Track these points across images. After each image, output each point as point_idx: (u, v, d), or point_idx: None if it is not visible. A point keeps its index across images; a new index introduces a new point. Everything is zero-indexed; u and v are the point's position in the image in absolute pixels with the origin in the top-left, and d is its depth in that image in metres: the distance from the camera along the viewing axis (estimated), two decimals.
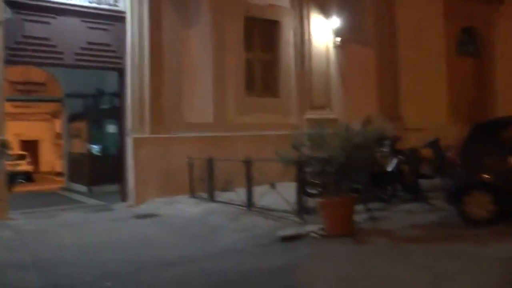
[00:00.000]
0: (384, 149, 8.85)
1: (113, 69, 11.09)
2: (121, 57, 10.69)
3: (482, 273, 4.71)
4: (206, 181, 9.94)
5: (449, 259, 5.20)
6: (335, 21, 13.33)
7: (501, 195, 6.68)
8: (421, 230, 6.78)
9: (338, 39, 13.39)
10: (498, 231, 6.30)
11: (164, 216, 9.01)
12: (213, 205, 9.36)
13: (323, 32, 13.28)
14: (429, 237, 6.40)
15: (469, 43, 18.43)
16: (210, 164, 9.91)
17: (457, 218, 7.05)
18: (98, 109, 15.03)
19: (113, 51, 10.67)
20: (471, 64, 18.42)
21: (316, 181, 7.62)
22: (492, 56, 18.53)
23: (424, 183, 9.36)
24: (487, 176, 6.88)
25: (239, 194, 8.77)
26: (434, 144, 9.88)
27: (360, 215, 7.44)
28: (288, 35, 12.88)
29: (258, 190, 8.39)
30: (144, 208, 9.78)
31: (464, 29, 17.93)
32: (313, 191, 7.96)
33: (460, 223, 6.91)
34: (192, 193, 10.30)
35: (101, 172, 13.72)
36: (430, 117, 14.70)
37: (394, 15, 14.81)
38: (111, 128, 14.54)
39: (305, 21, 13.03)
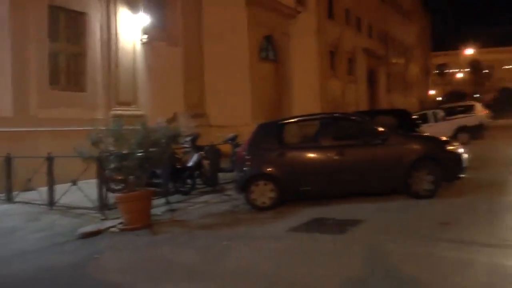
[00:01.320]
0: (186, 145, 9.51)
1: None
2: None
3: (251, 248, 5.60)
4: (3, 181, 9.35)
5: (229, 240, 5.99)
6: (143, 18, 13.62)
7: (280, 184, 7.86)
8: (214, 218, 7.53)
9: (146, 36, 13.70)
10: (276, 214, 7.41)
11: None
12: (11, 206, 8.91)
13: (131, 28, 13.45)
14: (219, 223, 7.17)
15: (270, 50, 20.64)
16: (8, 162, 9.35)
17: (246, 205, 8.03)
18: None
19: None
20: (272, 69, 20.65)
21: (119, 177, 7.88)
22: (288, 62, 21.00)
23: (223, 176, 10.33)
24: (269, 168, 7.99)
25: (41, 193, 8.50)
26: (232, 141, 10.93)
27: (160, 208, 7.94)
28: (95, 28, 12.75)
29: (61, 188, 8.26)
30: None
31: (266, 37, 19.99)
32: (117, 187, 8.21)
33: (248, 210, 7.89)
34: None
35: None
36: (234, 115, 16.05)
37: (202, 18, 15.74)
38: None
39: (112, 15, 13.04)
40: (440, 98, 61.01)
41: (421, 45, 50.52)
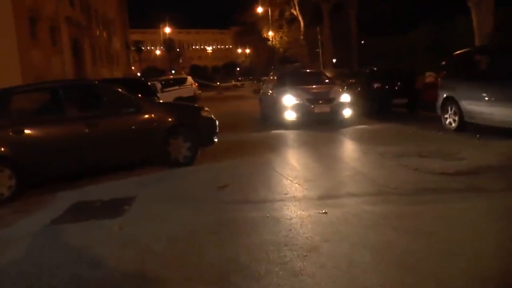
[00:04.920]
0: None
1: None
2: None
3: (17, 252, 4.21)
4: None
5: None
6: None
7: (21, 169, 6.24)
8: None
9: None
10: (24, 207, 5.83)
11: None
12: None
13: None
14: None
15: None
16: None
17: None
18: None
19: None
20: None
21: None
22: None
23: None
24: (2, 149, 6.24)
25: None
26: None
27: None
28: None
29: None
30: None
31: None
32: None
33: None
34: None
35: None
36: None
37: None
38: None
39: None
40: (139, 74, 62.61)
41: (120, 20, 50.14)
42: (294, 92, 11.92)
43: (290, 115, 11.66)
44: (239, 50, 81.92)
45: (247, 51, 75.28)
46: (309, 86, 12.51)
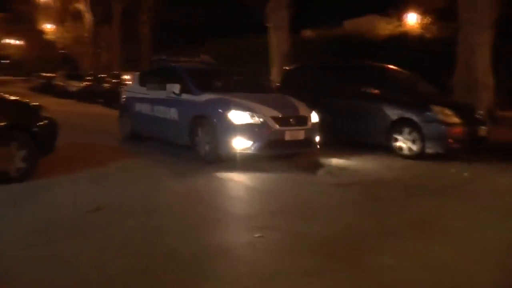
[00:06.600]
0: None
1: None
2: None
3: None
4: None
5: None
6: None
7: None
8: None
9: None
10: None
11: None
12: None
13: None
14: None
15: None
16: None
17: None
18: None
19: None
20: None
21: None
22: None
23: None
24: None
25: None
26: None
27: None
28: None
29: None
30: None
31: None
32: None
33: None
34: None
35: None
36: None
37: None
38: None
39: None
40: None
41: None
42: (244, 103, 7.13)
43: (240, 144, 6.86)
44: (8, 41, 71.51)
45: (18, 42, 66.23)
46: (257, 95, 7.78)
